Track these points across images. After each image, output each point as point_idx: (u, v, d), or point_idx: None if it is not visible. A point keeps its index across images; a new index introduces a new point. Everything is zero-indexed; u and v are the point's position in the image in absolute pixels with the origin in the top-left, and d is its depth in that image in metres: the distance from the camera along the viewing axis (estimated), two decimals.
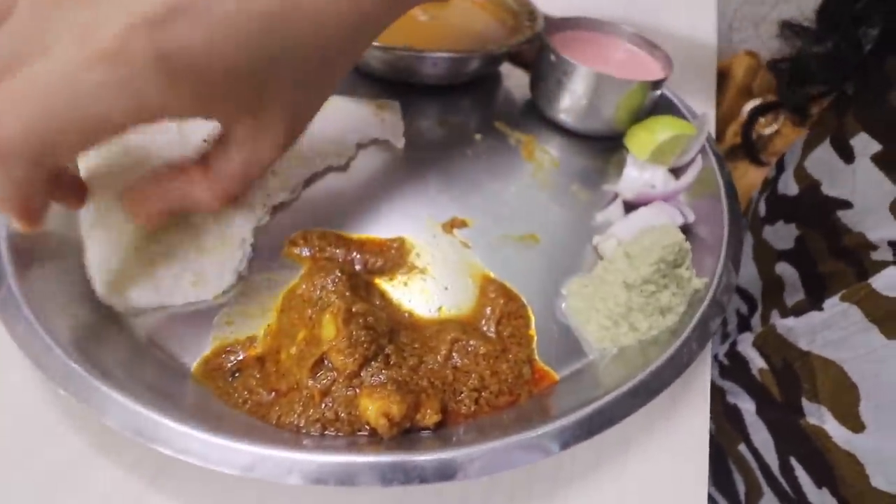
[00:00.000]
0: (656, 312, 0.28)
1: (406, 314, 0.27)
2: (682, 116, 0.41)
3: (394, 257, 0.30)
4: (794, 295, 0.40)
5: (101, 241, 0.25)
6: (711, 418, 0.28)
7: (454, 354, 0.25)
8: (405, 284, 0.29)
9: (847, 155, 0.36)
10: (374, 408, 0.21)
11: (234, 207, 0.29)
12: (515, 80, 0.45)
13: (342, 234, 0.30)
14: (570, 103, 0.39)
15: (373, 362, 0.23)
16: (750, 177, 0.70)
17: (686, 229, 0.33)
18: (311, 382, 0.23)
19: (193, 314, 0.26)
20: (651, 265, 0.27)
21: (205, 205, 0.24)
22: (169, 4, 0.18)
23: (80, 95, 0.17)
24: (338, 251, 0.29)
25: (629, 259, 0.28)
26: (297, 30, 0.21)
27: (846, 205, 0.35)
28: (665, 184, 0.37)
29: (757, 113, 0.58)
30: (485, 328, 0.27)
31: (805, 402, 0.33)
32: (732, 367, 0.40)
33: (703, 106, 0.43)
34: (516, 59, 0.47)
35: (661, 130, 0.37)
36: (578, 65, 0.37)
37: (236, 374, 0.24)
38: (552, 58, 0.38)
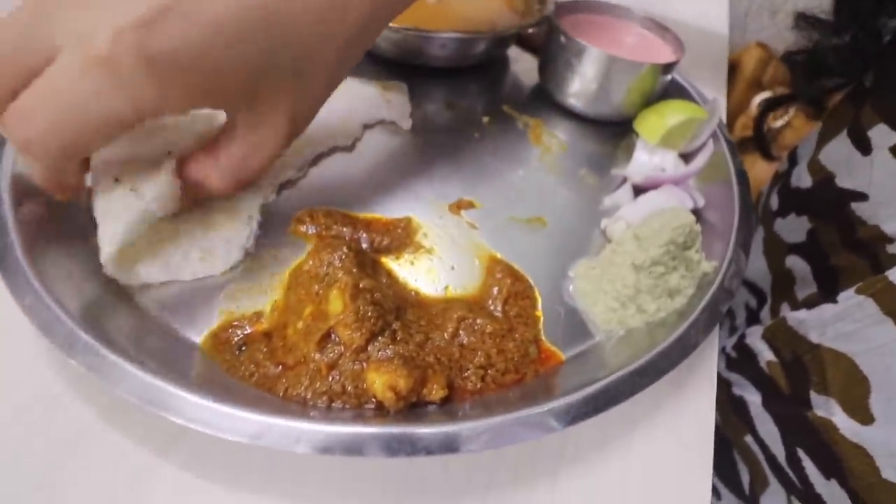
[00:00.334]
0: (665, 294, 0.28)
1: (412, 293, 0.27)
2: (694, 101, 0.40)
3: (400, 236, 0.30)
4: (805, 288, 0.40)
5: (111, 217, 0.25)
6: (716, 409, 0.28)
7: (461, 332, 0.25)
8: (411, 263, 0.29)
9: (864, 146, 0.35)
10: (381, 381, 0.21)
11: None
12: (524, 65, 0.45)
13: (349, 213, 0.30)
14: (579, 87, 0.39)
15: (380, 337, 0.23)
16: (757, 170, 0.69)
17: (696, 214, 0.33)
18: (318, 356, 0.23)
19: (201, 289, 0.26)
20: (660, 246, 0.27)
21: (214, 189, 0.25)
22: (157, 6, 0.18)
23: (82, 100, 0.18)
24: (344, 230, 0.29)
25: (638, 241, 0.28)
26: (292, 24, 0.21)
27: (862, 197, 0.35)
28: (675, 168, 0.36)
29: (769, 106, 0.57)
30: (491, 308, 0.27)
31: (813, 395, 0.33)
32: (740, 360, 0.40)
33: (714, 93, 0.42)
34: (525, 42, 0.46)
35: (671, 114, 0.36)
36: (589, 46, 0.36)
37: (243, 348, 0.24)
38: (562, 39, 0.38)
